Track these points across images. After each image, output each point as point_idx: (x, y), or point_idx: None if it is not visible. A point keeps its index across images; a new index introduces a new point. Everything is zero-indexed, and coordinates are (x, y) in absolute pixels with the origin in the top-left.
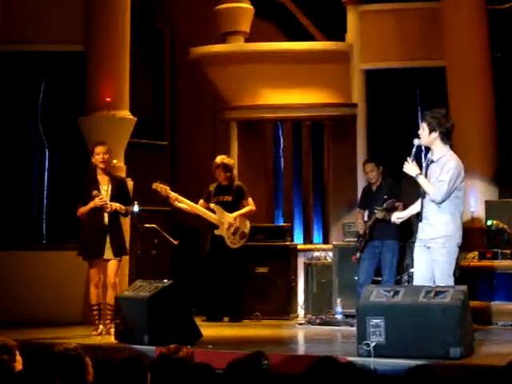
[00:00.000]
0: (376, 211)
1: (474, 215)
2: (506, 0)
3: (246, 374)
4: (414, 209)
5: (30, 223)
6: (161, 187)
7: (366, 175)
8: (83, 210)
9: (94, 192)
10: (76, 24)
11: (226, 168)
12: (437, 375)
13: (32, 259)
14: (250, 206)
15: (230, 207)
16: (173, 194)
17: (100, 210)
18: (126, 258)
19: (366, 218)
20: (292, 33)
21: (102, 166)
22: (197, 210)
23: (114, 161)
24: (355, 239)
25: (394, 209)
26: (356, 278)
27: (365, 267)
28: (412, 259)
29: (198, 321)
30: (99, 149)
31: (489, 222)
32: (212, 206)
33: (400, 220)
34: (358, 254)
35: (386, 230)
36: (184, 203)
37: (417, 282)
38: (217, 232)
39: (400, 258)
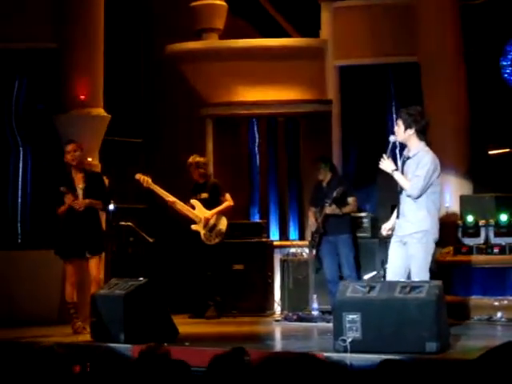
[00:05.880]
0: (326, 205)
1: (449, 210)
2: None
3: (229, 370)
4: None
5: (5, 222)
6: (143, 178)
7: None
8: (61, 210)
9: (62, 188)
10: (49, 21)
11: (198, 165)
12: (408, 368)
13: (7, 258)
14: (227, 201)
15: (208, 204)
16: (154, 186)
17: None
18: (101, 256)
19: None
20: (266, 30)
21: (73, 163)
22: (176, 204)
23: (89, 158)
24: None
25: (343, 199)
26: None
27: (327, 263)
28: (387, 255)
29: (179, 318)
30: (68, 147)
31: (470, 219)
32: (192, 201)
33: (390, 231)
34: (314, 251)
35: (339, 224)
36: (166, 197)
37: (389, 278)
38: (193, 227)
39: (375, 253)
